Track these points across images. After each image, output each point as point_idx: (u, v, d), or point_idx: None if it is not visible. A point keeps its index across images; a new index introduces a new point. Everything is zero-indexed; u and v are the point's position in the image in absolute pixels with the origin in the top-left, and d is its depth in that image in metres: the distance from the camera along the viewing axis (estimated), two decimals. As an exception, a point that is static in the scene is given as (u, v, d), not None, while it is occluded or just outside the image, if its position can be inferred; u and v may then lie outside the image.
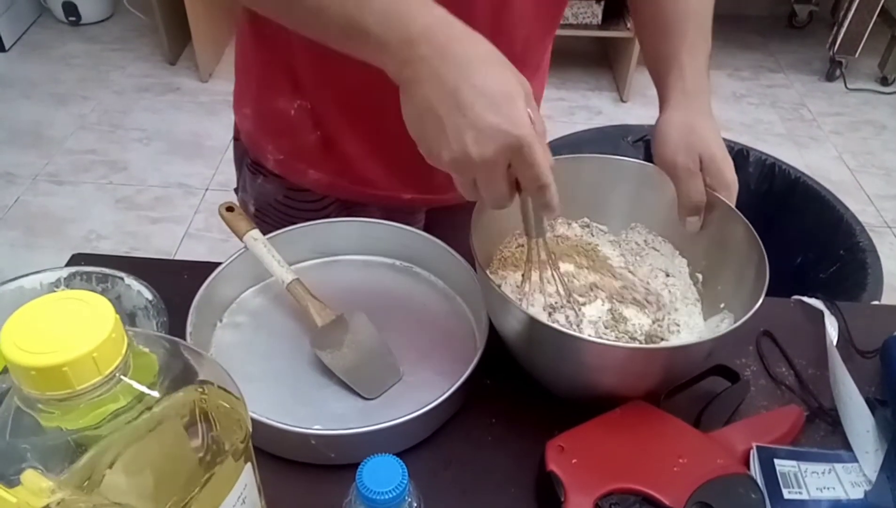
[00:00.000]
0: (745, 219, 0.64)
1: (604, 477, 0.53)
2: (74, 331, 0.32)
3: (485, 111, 0.47)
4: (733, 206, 0.65)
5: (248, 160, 0.84)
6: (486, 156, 0.48)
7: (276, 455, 0.59)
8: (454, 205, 0.85)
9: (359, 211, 0.80)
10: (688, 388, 0.64)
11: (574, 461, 0.55)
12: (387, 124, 0.73)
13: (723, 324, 0.64)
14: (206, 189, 2.20)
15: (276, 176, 0.82)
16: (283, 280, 0.69)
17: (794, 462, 0.58)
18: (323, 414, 0.62)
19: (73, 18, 2.91)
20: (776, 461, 0.58)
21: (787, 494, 0.56)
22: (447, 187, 0.82)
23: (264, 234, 0.72)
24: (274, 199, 0.84)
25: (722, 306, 0.66)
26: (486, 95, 0.48)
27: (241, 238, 0.71)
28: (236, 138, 0.87)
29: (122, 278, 0.68)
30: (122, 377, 0.33)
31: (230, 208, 0.72)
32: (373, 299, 0.73)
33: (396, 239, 0.76)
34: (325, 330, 0.67)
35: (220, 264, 0.70)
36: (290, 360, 0.67)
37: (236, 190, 0.91)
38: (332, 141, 0.77)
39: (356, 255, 0.78)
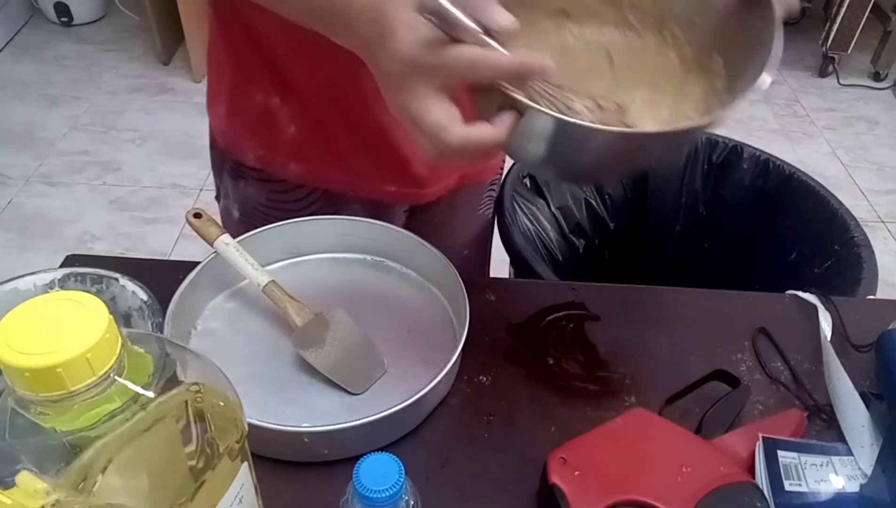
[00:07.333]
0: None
1: (607, 489, 0.53)
2: (68, 332, 0.32)
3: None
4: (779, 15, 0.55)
5: (228, 165, 0.83)
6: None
7: (270, 457, 0.59)
8: (434, 203, 0.85)
9: (343, 209, 0.79)
10: (688, 394, 0.64)
11: (577, 472, 0.54)
12: (371, 110, 0.72)
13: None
14: (201, 190, 2.19)
15: (257, 180, 0.81)
16: (259, 283, 0.69)
17: (794, 454, 0.59)
18: (311, 413, 0.62)
19: (65, 19, 2.90)
20: (779, 451, 0.58)
21: (787, 486, 0.57)
22: (428, 182, 0.82)
23: None
24: (258, 203, 0.83)
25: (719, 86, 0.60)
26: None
27: (211, 244, 0.70)
28: (212, 145, 0.86)
29: (116, 279, 0.67)
30: (116, 377, 0.33)
31: (198, 215, 0.71)
32: (348, 295, 0.73)
33: (366, 234, 0.76)
34: (306, 329, 0.67)
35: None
36: (271, 362, 0.67)
37: (217, 198, 0.90)
38: (314, 131, 0.76)
39: (326, 253, 0.78)
